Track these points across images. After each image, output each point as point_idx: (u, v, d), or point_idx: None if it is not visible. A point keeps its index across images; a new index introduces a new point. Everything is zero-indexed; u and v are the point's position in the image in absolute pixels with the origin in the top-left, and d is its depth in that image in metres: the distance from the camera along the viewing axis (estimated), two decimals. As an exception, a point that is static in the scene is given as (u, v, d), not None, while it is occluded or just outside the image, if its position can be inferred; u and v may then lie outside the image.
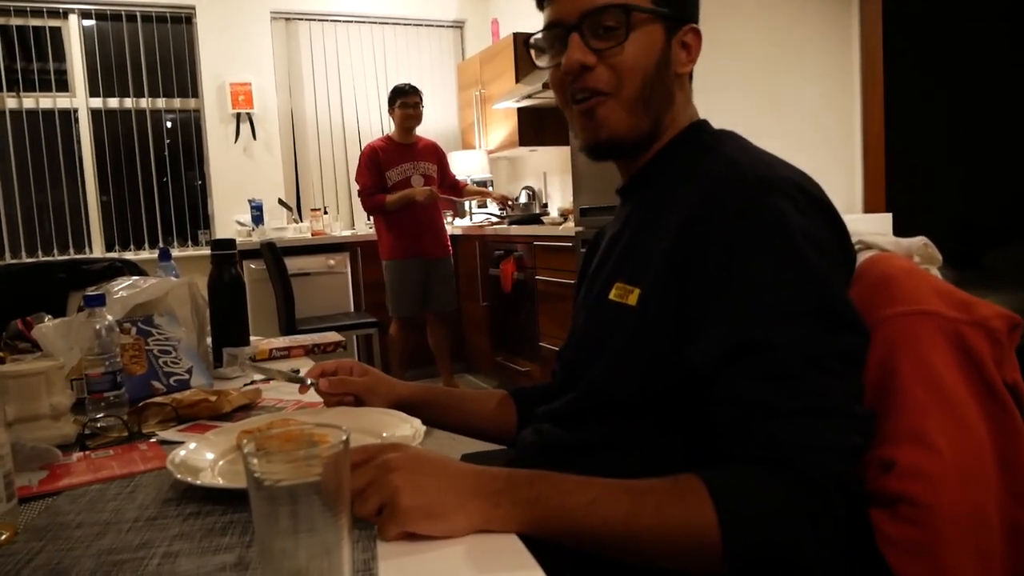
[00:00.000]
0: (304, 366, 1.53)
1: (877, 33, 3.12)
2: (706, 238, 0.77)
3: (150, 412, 1.10)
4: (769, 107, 2.97)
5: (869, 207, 3.11)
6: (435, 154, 4.30)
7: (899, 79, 3.63)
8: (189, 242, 5.09)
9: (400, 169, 4.12)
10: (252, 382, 1.36)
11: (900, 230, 2.93)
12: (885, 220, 2.95)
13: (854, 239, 0.92)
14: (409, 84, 4.18)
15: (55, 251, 4.73)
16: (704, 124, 0.98)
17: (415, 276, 4.15)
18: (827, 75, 3.10)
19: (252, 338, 1.79)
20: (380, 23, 5.47)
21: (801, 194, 0.79)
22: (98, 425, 1.05)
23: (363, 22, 5.42)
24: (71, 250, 4.76)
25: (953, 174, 5.39)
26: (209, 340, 1.51)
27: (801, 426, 0.69)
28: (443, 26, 5.67)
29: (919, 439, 0.74)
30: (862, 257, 0.88)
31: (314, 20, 5.31)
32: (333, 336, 1.69)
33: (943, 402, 0.76)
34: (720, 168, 0.83)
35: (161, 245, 4.95)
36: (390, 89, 4.22)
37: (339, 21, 5.36)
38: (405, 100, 4.10)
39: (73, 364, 1.22)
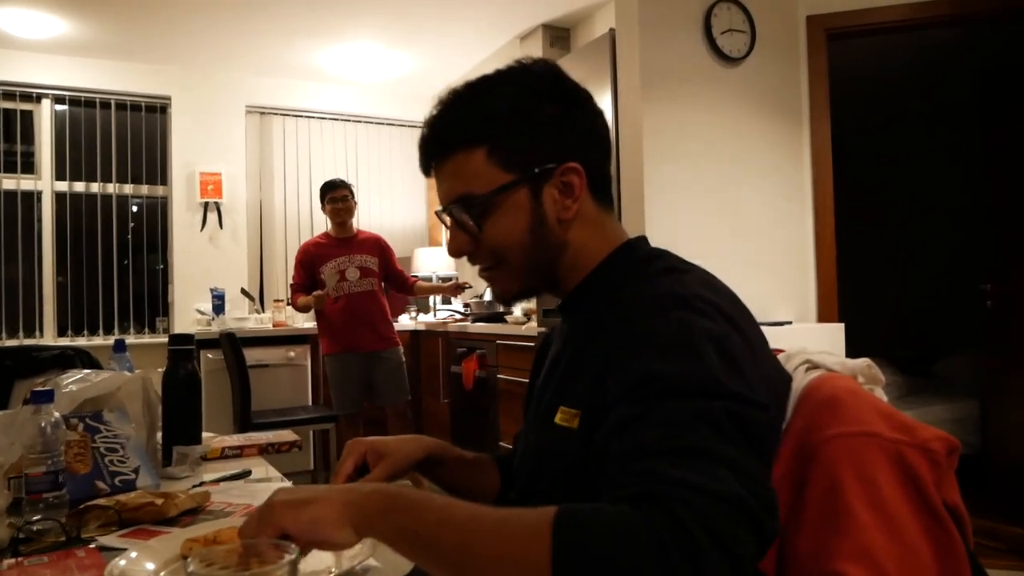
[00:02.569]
0: (257, 466, 1.48)
1: (827, 150, 3.29)
2: (619, 353, 0.78)
3: (91, 515, 1.05)
4: (724, 217, 3.07)
5: (823, 317, 3.20)
6: (376, 247, 4.18)
7: (850, 193, 3.81)
8: (146, 329, 4.99)
9: (335, 263, 4.03)
10: (201, 483, 1.31)
11: (853, 339, 3.01)
12: (838, 330, 3.02)
13: (801, 359, 0.94)
14: (338, 179, 4.13)
15: (3, 334, 4.60)
16: (636, 244, 0.97)
17: (352, 371, 4.01)
18: (780, 188, 3.24)
19: (204, 434, 1.74)
20: (353, 121, 5.62)
21: (714, 310, 0.78)
22: (34, 529, 1.00)
23: (336, 119, 5.56)
24: (21, 333, 4.64)
25: (904, 286, 5.60)
26: (160, 436, 1.47)
27: (677, 464, 0.64)
28: (414, 126, 5.84)
29: (868, 559, 0.75)
30: (809, 377, 0.90)
31: (288, 115, 5.44)
32: (288, 435, 1.65)
33: (888, 524, 0.77)
34: (640, 290, 0.84)
35: (117, 332, 4.85)
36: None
37: (312, 117, 5.49)
38: (333, 195, 4.04)
39: (13, 461, 1.17)
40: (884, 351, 4.79)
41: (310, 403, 4.62)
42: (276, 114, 5.40)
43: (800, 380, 0.92)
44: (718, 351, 0.73)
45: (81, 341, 4.67)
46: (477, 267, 0.98)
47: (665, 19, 3.03)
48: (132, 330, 4.94)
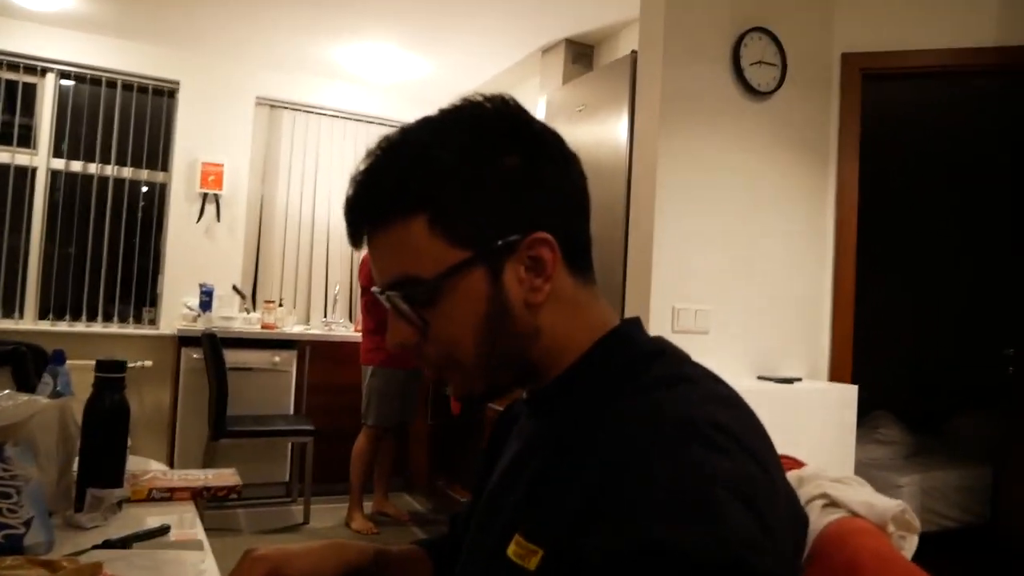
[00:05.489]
0: (186, 512, 1.30)
1: (853, 194, 3.10)
2: (609, 498, 0.59)
3: (-54, 590, 0.88)
4: (738, 259, 2.89)
5: (835, 375, 3.00)
6: None
7: (871, 241, 3.60)
8: (131, 319, 4.81)
9: None
10: (105, 542, 1.13)
11: (863, 391, 2.80)
12: (850, 392, 2.83)
13: (818, 489, 0.76)
14: None
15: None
16: (628, 333, 0.77)
17: (400, 385, 4.02)
18: (801, 232, 3.05)
19: (141, 460, 1.57)
20: (365, 122, 5.45)
21: (733, 442, 0.62)
22: None
23: (348, 118, 5.40)
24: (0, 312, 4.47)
25: (920, 340, 5.39)
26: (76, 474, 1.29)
27: None
28: (428, 132, 5.67)
29: None
30: (827, 520, 0.71)
31: (299, 111, 5.28)
32: (229, 478, 1.47)
33: None
34: (637, 410, 0.65)
35: (101, 320, 4.67)
36: None
37: (324, 114, 5.33)
38: None
39: None
40: (894, 406, 4.59)
41: (291, 412, 4.43)
42: (286, 108, 5.24)
43: (815, 521, 0.73)
44: (742, 503, 0.56)
45: (63, 326, 4.51)
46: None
47: (691, 45, 2.85)
48: (116, 319, 4.77)
